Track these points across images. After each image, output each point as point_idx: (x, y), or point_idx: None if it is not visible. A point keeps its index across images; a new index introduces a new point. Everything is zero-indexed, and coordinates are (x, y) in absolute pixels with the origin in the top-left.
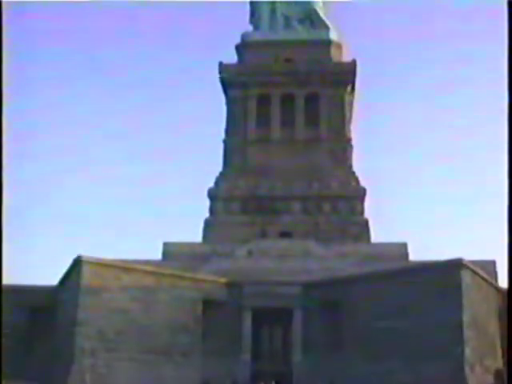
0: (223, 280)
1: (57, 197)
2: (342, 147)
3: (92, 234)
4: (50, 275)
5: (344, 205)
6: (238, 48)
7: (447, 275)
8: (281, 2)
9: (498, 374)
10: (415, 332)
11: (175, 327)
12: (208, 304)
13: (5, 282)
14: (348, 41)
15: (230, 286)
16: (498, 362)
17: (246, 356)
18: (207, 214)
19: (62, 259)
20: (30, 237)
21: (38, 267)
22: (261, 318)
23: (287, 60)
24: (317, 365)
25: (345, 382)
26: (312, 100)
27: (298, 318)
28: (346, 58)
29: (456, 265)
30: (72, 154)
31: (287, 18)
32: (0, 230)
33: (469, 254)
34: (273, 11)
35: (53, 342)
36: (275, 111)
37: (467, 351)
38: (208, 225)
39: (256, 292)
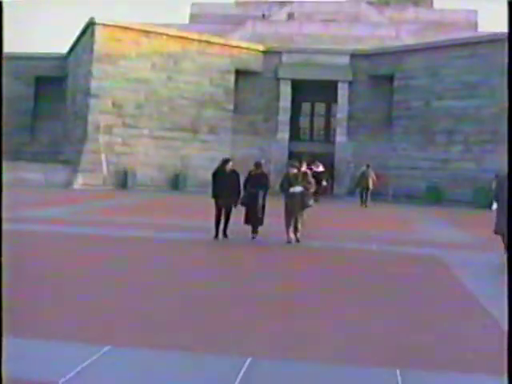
0: (259, 47)
1: None
2: None
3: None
4: (59, 45)
5: None
6: None
7: None
8: None
9: None
10: (478, 115)
11: (203, 100)
12: (241, 75)
13: (7, 50)
14: None
15: (267, 53)
16: None
17: (284, 135)
18: None
19: (73, 28)
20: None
21: (46, 36)
22: (301, 92)
23: None
24: (362, 146)
25: (393, 167)
26: None
27: (343, 92)
28: None
29: None
30: None
31: None
32: None
33: None
34: None
35: (62, 117)
36: None
37: None
38: None
39: (296, 61)
